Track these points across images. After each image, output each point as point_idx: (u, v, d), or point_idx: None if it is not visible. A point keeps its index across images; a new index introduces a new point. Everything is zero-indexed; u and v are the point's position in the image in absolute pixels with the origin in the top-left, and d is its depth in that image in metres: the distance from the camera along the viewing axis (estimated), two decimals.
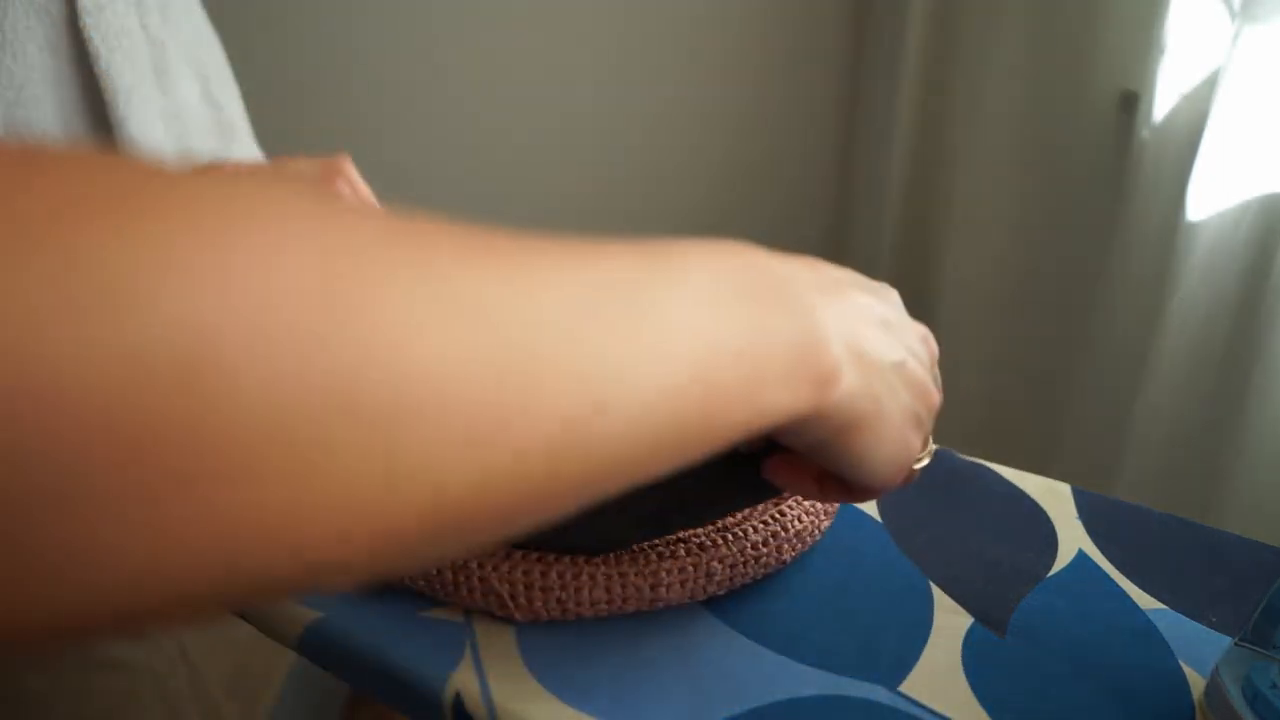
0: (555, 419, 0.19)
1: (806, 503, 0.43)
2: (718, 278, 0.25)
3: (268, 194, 0.17)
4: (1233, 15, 1.10)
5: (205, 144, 0.70)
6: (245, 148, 0.77)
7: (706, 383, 0.23)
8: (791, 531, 0.43)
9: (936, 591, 0.43)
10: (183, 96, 0.67)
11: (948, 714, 0.36)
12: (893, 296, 0.34)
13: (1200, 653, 0.40)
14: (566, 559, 0.40)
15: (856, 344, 0.29)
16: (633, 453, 0.21)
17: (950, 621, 0.41)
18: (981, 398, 1.63)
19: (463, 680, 0.37)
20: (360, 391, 0.15)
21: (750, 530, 0.42)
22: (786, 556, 0.43)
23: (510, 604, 0.39)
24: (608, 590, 0.40)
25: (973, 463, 0.53)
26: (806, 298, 0.28)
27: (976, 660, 0.39)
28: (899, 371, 0.30)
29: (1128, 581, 0.44)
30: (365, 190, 0.46)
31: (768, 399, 0.25)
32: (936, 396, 0.33)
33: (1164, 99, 1.20)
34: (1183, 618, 0.42)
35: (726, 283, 0.25)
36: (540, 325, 0.19)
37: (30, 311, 0.12)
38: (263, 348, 0.14)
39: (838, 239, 1.95)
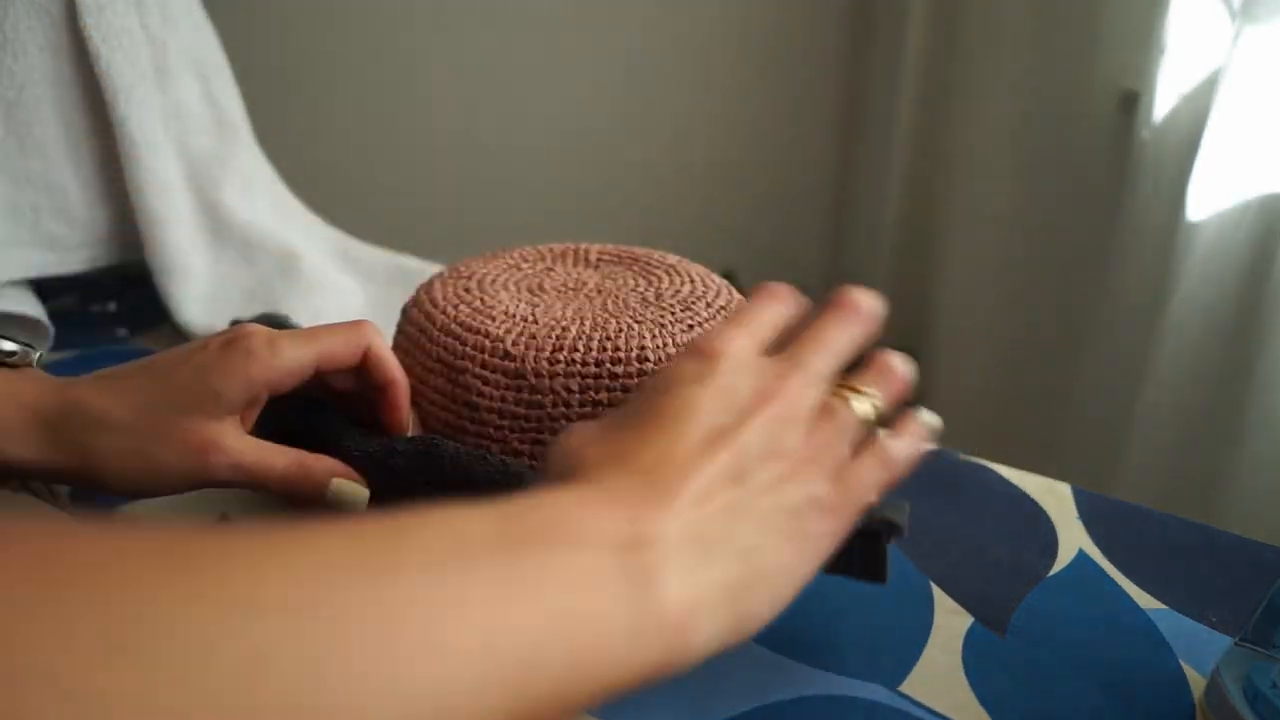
0: None
1: None
2: (495, 544, 0.21)
3: None
4: (1233, 15, 1.10)
5: (205, 144, 0.70)
6: (246, 148, 0.76)
7: (509, 679, 0.19)
8: None
9: (936, 591, 0.43)
10: (183, 96, 0.67)
11: (948, 714, 0.36)
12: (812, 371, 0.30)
13: (1200, 653, 0.40)
14: None
15: (711, 535, 0.25)
16: None
17: (950, 621, 0.41)
18: (981, 398, 1.63)
19: None
20: None
21: None
22: None
23: None
24: None
25: (973, 463, 0.53)
26: (625, 528, 0.24)
27: (976, 660, 0.39)
28: (767, 500, 0.27)
29: (1128, 581, 0.44)
30: (393, 364, 0.39)
31: (607, 671, 0.22)
32: (831, 458, 0.29)
33: (1164, 99, 1.20)
34: (1183, 618, 0.42)
35: (510, 550, 0.21)
36: (261, 656, 0.15)
37: None
38: None
39: (838, 239, 1.95)
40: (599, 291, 0.45)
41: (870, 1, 1.73)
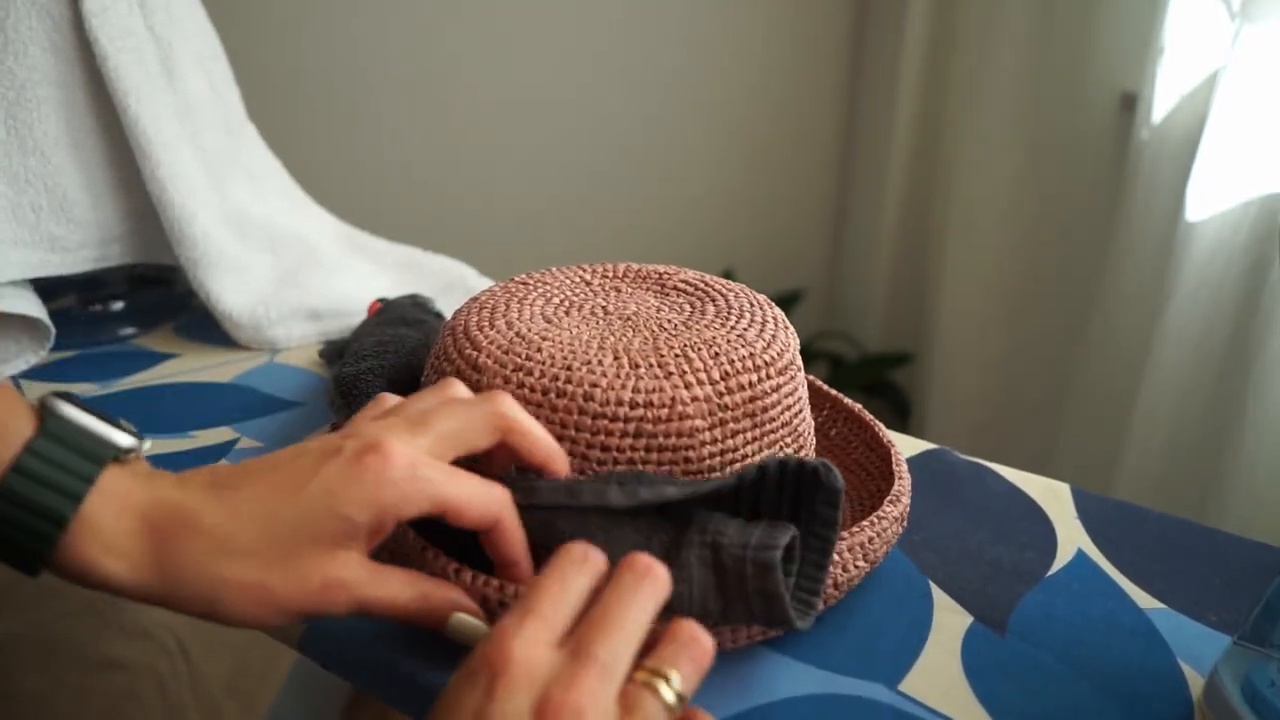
0: None
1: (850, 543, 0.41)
2: None
3: None
4: (1232, 15, 1.11)
5: (217, 139, 0.70)
6: (253, 142, 0.77)
7: None
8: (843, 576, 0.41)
9: (936, 591, 0.43)
10: (192, 93, 0.68)
11: (947, 713, 0.36)
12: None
13: (1200, 652, 0.40)
14: None
15: None
16: None
17: (950, 621, 0.41)
18: (981, 397, 1.63)
19: None
20: None
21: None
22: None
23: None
24: None
25: (973, 463, 0.54)
26: None
27: (976, 660, 0.39)
28: None
29: (1127, 581, 0.44)
30: (542, 437, 0.37)
31: None
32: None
33: (1164, 99, 1.21)
34: (1182, 617, 0.42)
35: None
36: None
37: None
38: None
39: (838, 240, 1.95)
40: (634, 324, 0.44)
41: (870, 3, 1.74)
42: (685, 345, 0.41)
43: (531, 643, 0.28)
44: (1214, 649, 0.39)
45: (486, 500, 0.34)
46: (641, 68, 1.61)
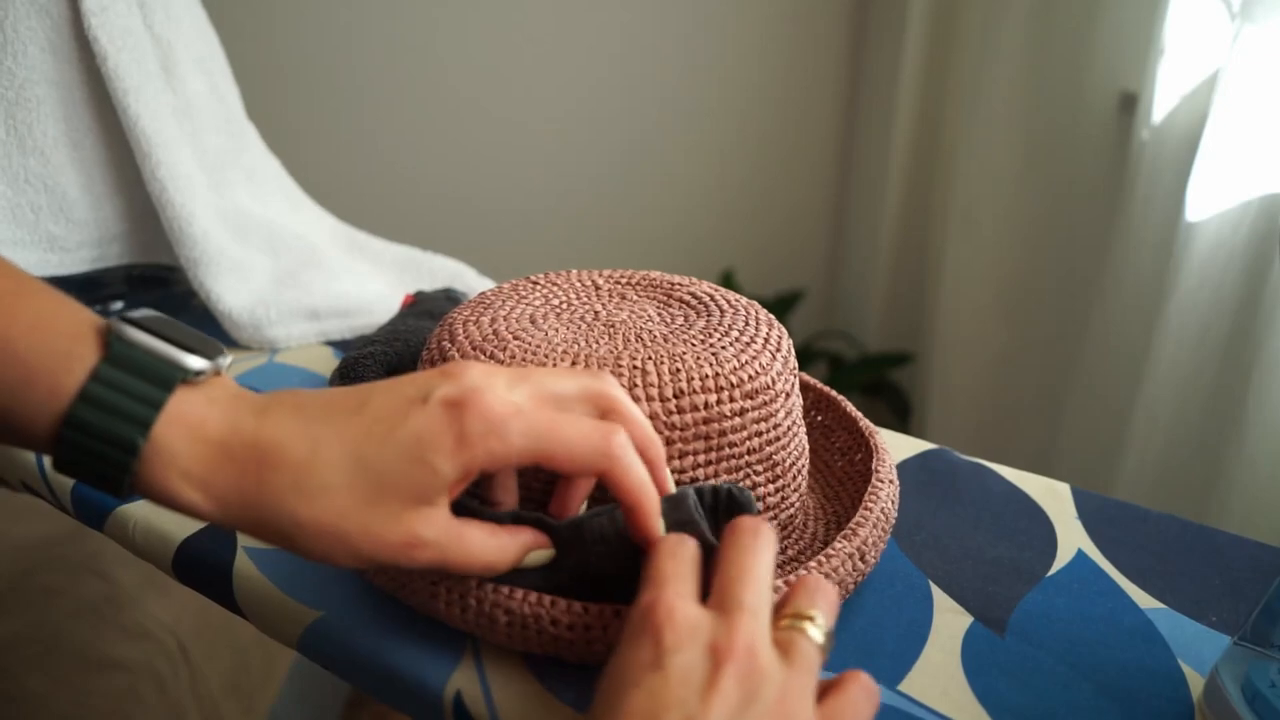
0: None
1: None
2: None
3: None
4: (1232, 15, 1.11)
5: (217, 140, 0.70)
6: (253, 142, 0.77)
7: None
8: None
9: (936, 591, 0.43)
10: (192, 93, 0.68)
11: (947, 713, 0.36)
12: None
13: (1200, 652, 0.40)
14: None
15: None
16: None
17: (950, 621, 0.41)
18: (981, 398, 1.63)
19: (463, 680, 0.37)
20: None
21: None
22: None
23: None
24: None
25: (973, 463, 0.54)
26: None
27: (976, 660, 0.39)
28: None
29: (1127, 581, 0.44)
30: (636, 485, 0.34)
31: None
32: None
33: (1164, 99, 1.20)
34: (1182, 617, 0.42)
35: None
36: None
37: None
38: None
39: (838, 240, 1.95)
40: (613, 333, 0.43)
41: (870, 3, 1.74)
42: (649, 358, 0.40)
43: (681, 597, 0.30)
44: (1214, 649, 0.39)
45: (588, 452, 0.32)
46: (642, 67, 1.61)
